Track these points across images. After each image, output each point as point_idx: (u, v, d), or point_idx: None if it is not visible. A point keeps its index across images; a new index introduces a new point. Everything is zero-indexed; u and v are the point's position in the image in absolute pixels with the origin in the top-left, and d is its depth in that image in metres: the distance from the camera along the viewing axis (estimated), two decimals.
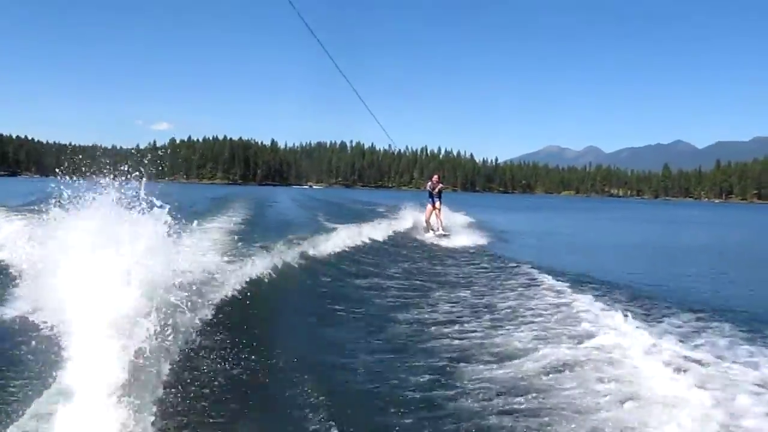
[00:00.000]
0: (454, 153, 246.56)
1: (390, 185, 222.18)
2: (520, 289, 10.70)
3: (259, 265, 9.01)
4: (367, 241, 16.00)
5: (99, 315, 4.06)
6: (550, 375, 5.82)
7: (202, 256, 6.86)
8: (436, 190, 21.86)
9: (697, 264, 17.97)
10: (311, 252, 12.08)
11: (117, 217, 4.97)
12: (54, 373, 4.20)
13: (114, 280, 4.27)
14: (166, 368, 4.70)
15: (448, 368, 6.06)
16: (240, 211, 24.27)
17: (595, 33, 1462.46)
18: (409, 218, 23.72)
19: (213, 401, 4.71)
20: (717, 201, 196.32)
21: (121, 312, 4.12)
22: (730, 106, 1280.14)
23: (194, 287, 5.85)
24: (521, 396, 5.27)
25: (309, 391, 5.11)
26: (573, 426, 4.66)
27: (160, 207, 5.40)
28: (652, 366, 5.89)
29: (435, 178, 22.54)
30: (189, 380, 4.87)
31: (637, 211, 76.78)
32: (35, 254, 5.58)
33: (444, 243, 19.19)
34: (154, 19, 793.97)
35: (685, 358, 6.16)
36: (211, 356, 5.51)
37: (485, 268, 13.77)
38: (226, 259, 8.73)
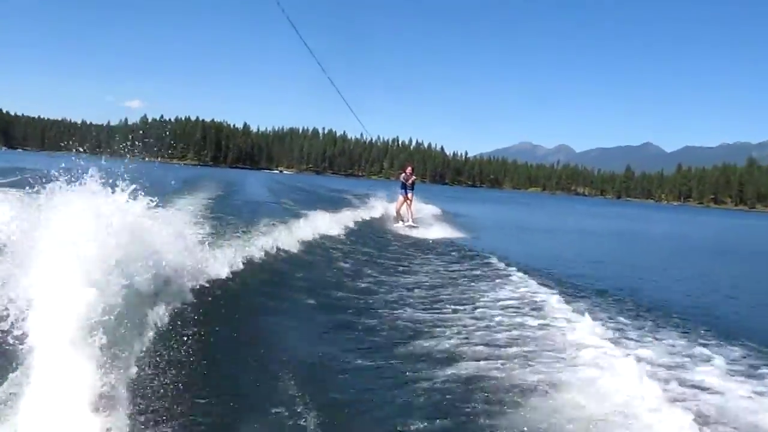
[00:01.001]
0: (425, 145, 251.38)
1: (360, 174, 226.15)
2: (482, 276, 11.75)
3: (230, 256, 8.64)
4: (340, 230, 15.82)
5: (68, 311, 3.90)
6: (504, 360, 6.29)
7: (178, 244, 6.66)
8: (410, 181, 22.28)
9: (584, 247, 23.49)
10: (284, 240, 11.69)
11: (97, 200, 4.95)
12: (20, 376, 3.97)
13: (87, 272, 4.13)
14: (139, 367, 4.55)
15: (414, 359, 6.28)
16: (213, 195, 24.24)
17: (573, 35, 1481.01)
18: (379, 208, 24.14)
19: (185, 400, 4.57)
20: (676, 204, 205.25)
21: (88, 308, 3.97)
22: (699, 112, 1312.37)
23: (169, 278, 5.86)
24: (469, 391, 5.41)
25: (280, 387, 5.12)
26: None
27: (136, 190, 5.55)
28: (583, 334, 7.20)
29: (409, 169, 22.88)
30: (163, 378, 4.69)
31: (572, 207, 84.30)
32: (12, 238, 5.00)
33: (415, 233, 19.64)
34: None
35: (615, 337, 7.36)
36: (184, 352, 5.28)
37: (451, 258, 14.59)
38: (199, 248, 8.10)
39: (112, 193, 5.32)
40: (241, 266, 8.68)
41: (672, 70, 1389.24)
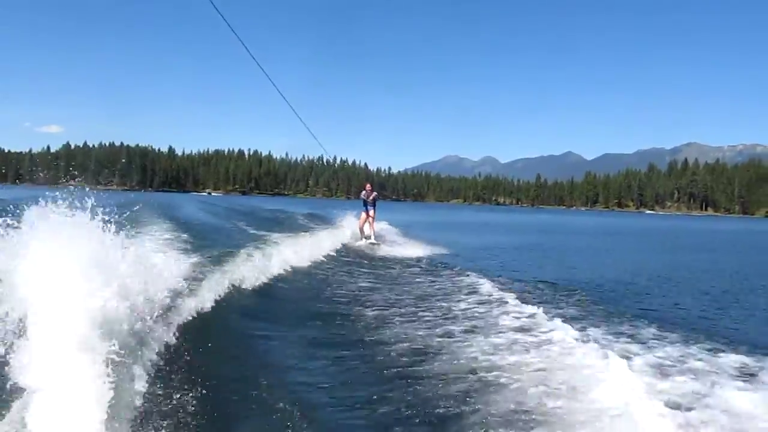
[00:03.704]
0: (350, 162, 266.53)
1: (286, 193, 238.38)
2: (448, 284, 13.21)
3: (210, 281, 8.81)
4: (311, 252, 16.05)
5: (66, 330, 4.09)
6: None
7: (152, 272, 6.31)
8: (370, 198, 22.88)
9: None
10: (263, 265, 11.98)
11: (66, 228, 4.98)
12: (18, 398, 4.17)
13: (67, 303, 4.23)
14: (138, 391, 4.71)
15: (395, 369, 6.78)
16: (158, 220, 22.21)
17: (493, 50, 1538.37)
18: (342, 227, 24.36)
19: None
20: (584, 209, 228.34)
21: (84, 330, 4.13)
22: (617, 121, 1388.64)
23: (142, 309, 5.44)
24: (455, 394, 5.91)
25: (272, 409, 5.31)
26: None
27: (102, 216, 5.54)
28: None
29: (368, 186, 23.39)
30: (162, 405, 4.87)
31: (478, 214, 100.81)
32: None
33: (381, 252, 20.48)
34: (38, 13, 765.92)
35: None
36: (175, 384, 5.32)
37: (417, 270, 16.00)
38: (174, 273, 7.75)
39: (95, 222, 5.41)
40: (225, 293, 8.82)
41: (589, 79, 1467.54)
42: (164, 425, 4.64)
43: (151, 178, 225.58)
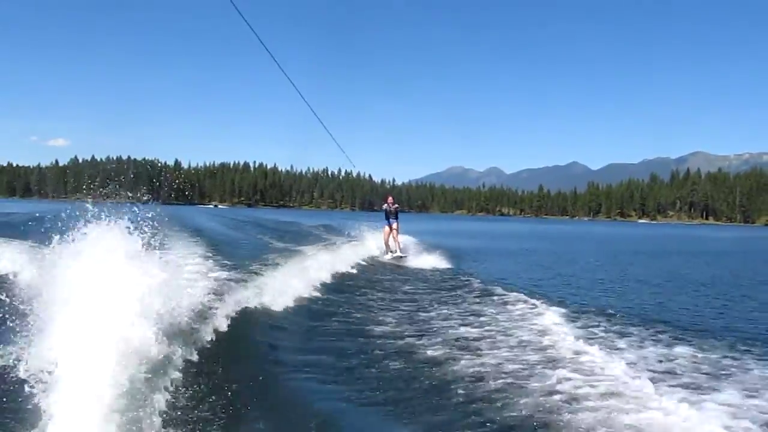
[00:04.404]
0: (354, 174, 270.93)
1: (291, 204, 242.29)
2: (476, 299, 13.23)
3: (241, 293, 9.36)
4: (341, 266, 16.26)
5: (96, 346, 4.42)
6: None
7: (186, 285, 7.14)
8: (393, 209, 22.92)
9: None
10: (280, 274, 12.35)
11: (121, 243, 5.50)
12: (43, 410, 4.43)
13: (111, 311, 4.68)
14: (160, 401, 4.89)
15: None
16: (183, 233, 23.41)
17: (497, 59, 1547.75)
18: (367, 240, 24.37)
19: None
20: (586, 219, 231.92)
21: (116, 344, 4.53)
22: (622, 130, 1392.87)
23: (180, 317, 6.22)
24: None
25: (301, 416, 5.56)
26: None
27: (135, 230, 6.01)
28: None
29: (390, 199, 23.48)
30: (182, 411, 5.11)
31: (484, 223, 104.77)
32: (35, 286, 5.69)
33: (407, 264, 20.68)
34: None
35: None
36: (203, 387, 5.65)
37: (444, 283, 16.12)
38: (205, 285, 8.70)
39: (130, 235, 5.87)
40: (253, 306, 9.26)
41: (594, 89, 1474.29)
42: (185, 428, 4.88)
43: (157, 191, 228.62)
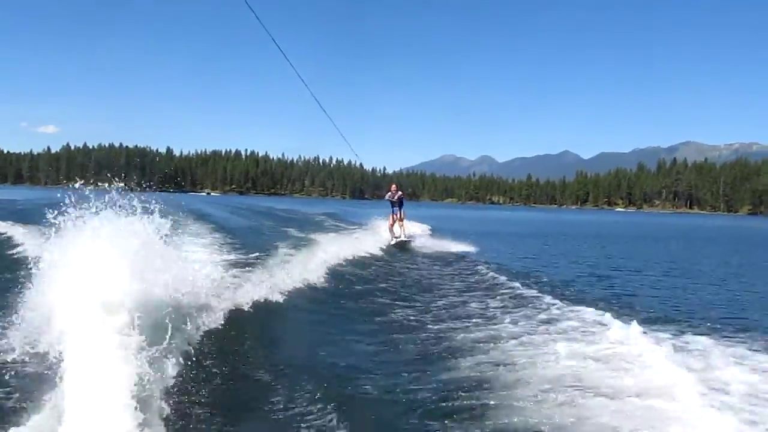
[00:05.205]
0: (345, 162, 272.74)
1: (283, 192, 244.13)
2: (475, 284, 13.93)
3: (258, 279, 9.75)
4: (357, 251, 16.80)
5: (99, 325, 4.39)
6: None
7: (201, 269, 7.31)
8: (396, 198, 23.22)
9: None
10: (292, 261, 12.83)
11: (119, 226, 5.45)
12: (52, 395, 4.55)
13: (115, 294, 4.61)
14: (169, 378, 4.98)
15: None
16: (188, 220, 23.66)
17: (489, 48, 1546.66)
18: (374, 228, 24.86)
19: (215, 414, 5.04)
20: (574, 207, 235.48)
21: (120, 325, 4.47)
22: (613, 119, 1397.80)
23: (196, 301, 6.45)
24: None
25: (309, 400, 5.52)
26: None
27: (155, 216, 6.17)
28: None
29: (393, 187, 23.61)
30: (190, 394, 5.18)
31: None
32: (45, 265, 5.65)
33: (415, 249, 21.51)
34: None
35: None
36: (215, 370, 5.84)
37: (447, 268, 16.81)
38: (222, 270, 9.24)
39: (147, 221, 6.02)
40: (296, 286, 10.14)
41: (586, 78, 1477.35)
42: (194, 415, 4.87)
43: (149, 178, 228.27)
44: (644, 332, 8.10)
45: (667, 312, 11.41)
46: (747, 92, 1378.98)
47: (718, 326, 9.78)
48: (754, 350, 7.88)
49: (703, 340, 8.24)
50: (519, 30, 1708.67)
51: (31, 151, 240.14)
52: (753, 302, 13.60)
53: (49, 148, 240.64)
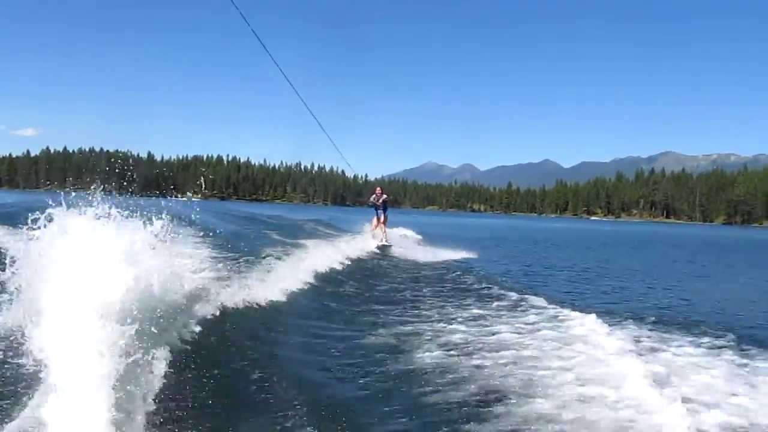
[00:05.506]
0: (327, 169, 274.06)
1: (264, 198, 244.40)
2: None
3: (239, 287, 9.17)
4: (339, 257, 16.30)
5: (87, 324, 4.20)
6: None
7: (191, 272, 7.10)
8: (380, 201, 23.39)
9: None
10: (281, 267, 12.41)
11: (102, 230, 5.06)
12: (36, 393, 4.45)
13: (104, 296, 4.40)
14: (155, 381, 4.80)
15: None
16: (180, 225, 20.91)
17: (470, 57, 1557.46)
18: (362, 233, 24.78)
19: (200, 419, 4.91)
20: (553, 215, 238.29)
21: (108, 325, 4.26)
22: (594, 129, 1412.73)
23: (181, 303, 6.19)
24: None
25: (297, 406, 5.41)
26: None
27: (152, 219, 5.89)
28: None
29: (378, 190, 23.89)
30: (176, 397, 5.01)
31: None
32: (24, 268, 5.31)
33: (397, 255, 21.23)
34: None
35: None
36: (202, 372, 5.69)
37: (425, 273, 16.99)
38: (207, 274, 8.92)
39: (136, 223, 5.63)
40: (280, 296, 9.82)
41: (567, 87, 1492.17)
42: (177, 420, 4.79)
43: (130, 183, 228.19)
44: (601, 323, 9.50)
45: (621, 308, 12.81)
46: (725, 103, 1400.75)
47: (666, 320, 11.19)
48: (697, 342, 9.08)
49: (652, 332, 9.66)
50: (503, 40, 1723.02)
51: (10, 154, 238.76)
52: (699, 302, 14.86)
53: (28, 152, 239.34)
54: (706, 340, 9.28)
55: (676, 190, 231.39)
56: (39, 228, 5.28)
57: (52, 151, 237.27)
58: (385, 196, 23.70)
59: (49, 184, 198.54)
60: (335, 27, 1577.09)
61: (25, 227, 5.29)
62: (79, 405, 3.94)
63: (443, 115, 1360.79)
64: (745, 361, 8.00)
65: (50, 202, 5.51)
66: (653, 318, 11.12)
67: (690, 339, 9.25)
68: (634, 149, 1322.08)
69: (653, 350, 8.33)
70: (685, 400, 5.98)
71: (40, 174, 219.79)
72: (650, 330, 9.85)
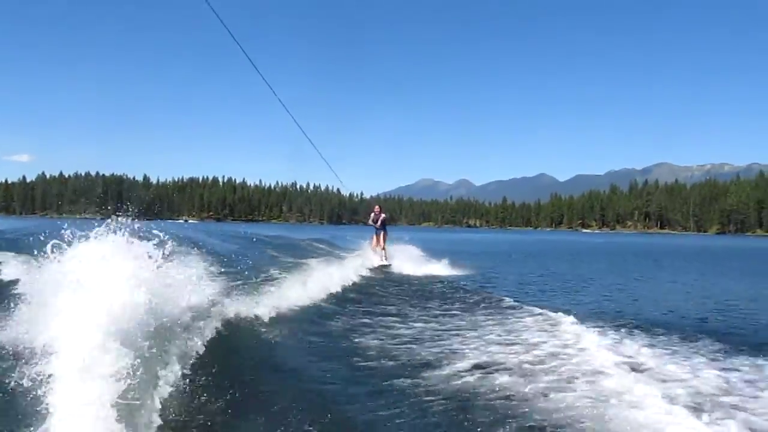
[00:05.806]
0: (322, 188, 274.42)
1: (260, 219, 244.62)
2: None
3: (243, 303, 9.38)
4: (343, 274, 16.26)
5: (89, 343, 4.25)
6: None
7: (195, 289, 7.10)
8: (378, 221, 23.19)
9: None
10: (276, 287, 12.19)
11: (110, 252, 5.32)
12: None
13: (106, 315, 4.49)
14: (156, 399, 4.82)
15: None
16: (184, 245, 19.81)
17: (464, 73, 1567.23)
18: (361, 252, 24.50)
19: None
20: (548, 229, 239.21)
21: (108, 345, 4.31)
22: (588, 142, 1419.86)
23: (177, 324, 6.10)
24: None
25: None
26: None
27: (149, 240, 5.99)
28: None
29: (377, 209, 23.66)
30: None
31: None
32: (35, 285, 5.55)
33: (396, 272, 20.80)
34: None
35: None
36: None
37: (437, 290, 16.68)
38: (211, 291, 8.82)
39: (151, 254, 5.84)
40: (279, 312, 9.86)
41: (562, 101, 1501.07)
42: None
43: (127, 207, 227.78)
44: (585, 326, 10.18)
45: (605, 311, 13.35)
46: (719, 114, 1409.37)
47: (648, 324, 11.43)
48: (672, 342, 9.49)
49: (633, 335, 10.05)
50: (496, 54, 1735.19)
51: (6, 180, 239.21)
52: (679, 305, 15.36)
53: (24, 177, 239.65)
54: (696, 343, 9.47)
55: (670, 201, 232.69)
56: (50, 255, 5.50)
57: (47, 176, 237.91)
58: (383, 215, 23.48)
59: (45, 212, 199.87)
60: (329, 45, 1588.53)
61: (41, 256, 5.51)
62: (84, 410, 4.01)
63: (438, 131, 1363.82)
64: (745, 367, 8.04)
65: (46, 231, 5.75)
66: (646, 323, 11.45)
67: (679, 342, 9.56)
68: (629, 161, 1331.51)
69: (644, 354, 8.58)
70: (679, 402, 6.20)
71: (36, 200, 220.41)
72: (640, 333, 10.20)
